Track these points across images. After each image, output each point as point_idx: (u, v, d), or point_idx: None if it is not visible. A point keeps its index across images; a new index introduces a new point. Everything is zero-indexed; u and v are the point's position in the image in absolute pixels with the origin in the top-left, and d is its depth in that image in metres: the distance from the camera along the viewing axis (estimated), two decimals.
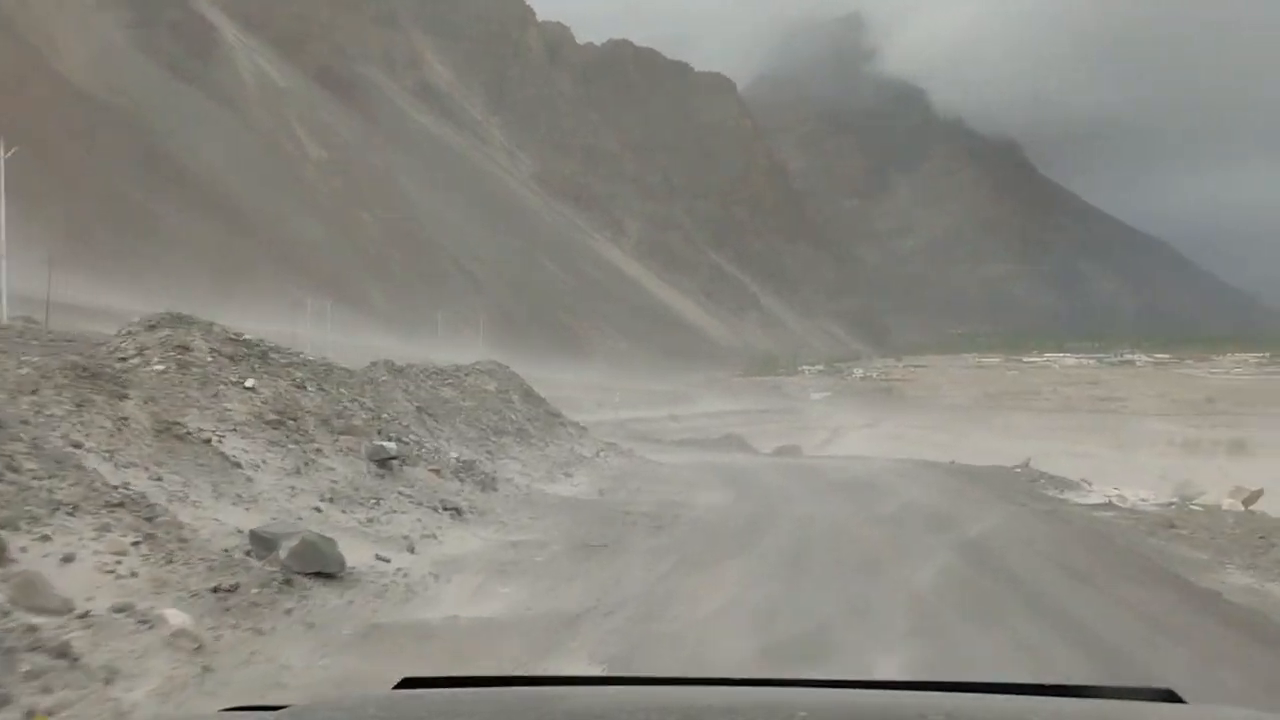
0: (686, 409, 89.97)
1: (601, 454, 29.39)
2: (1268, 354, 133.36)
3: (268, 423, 14.65)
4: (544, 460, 24.19)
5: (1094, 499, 22.23)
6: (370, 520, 13.14)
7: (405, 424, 19.48)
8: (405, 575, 11.02)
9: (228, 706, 2.01)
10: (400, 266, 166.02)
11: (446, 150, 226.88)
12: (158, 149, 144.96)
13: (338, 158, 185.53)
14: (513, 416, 27.03)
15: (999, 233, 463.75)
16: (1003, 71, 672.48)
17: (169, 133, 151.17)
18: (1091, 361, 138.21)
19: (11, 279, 47.84)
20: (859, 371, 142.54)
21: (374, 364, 24.35)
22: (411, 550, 12.29)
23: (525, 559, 12.70)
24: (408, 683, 2.30)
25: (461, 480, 17.58)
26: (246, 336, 17.22)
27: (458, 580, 11.13)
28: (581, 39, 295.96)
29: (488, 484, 18.13)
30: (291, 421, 15.13)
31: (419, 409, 21.77)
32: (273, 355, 17.33)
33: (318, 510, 12.67)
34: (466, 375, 28.84)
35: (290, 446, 14.38)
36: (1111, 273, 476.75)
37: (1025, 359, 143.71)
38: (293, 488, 12.93)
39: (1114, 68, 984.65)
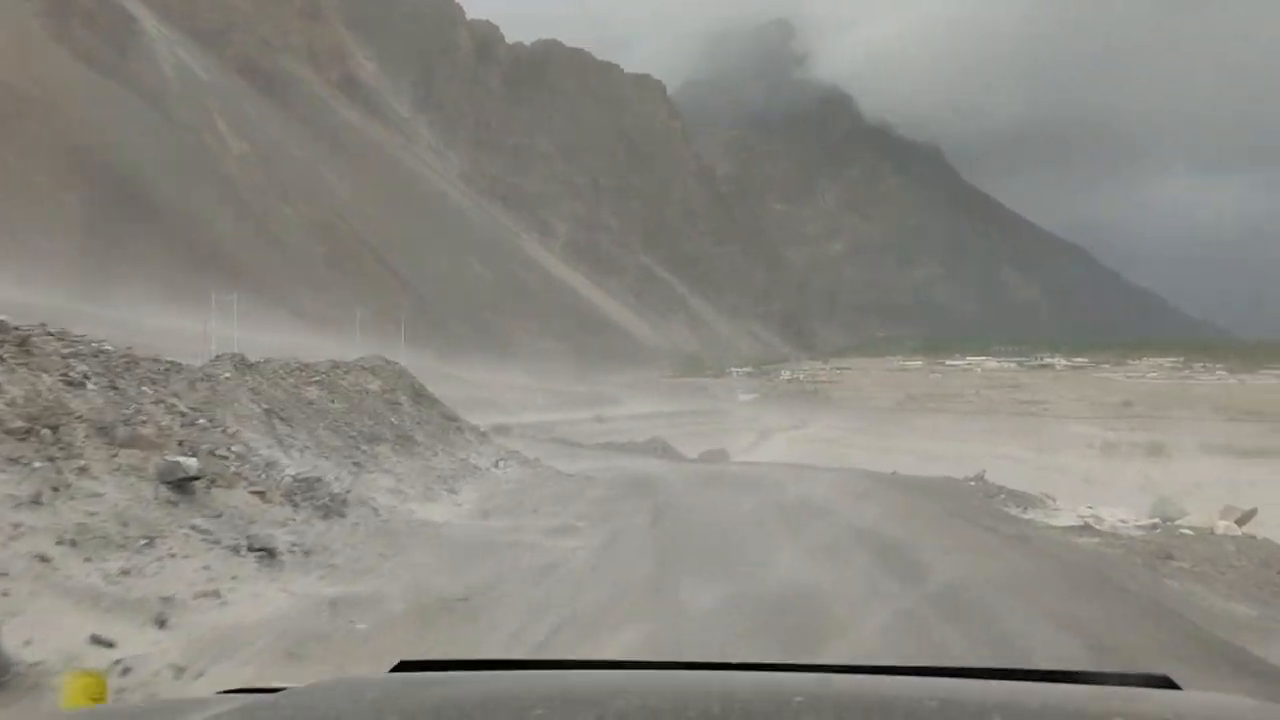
0: (612, 410, 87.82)
1: (501, 464, 26.01)
2: (1181, 358, 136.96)
3: (9, 432, 10.74)
4: (426, 473, 20.82)
5: (1065, 520, 20.13)
6: (124, 573, 9.18)
7: (235, 431, 15.78)
8: (128, 671, 7.21)
9: (228, 689, 2.12)
10: (324, 264, 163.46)
11: (372, 146, 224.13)
12: (72, 141, 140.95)
13: (260, 152, 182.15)
14: (395, 421, 23.81)
15: (923, 238, 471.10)
16: (928, 80, 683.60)
17: (84, 125, 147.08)
18: (1012, 365, 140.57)
19: None
20: (786, 373, 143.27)
21: (218, 358, 21.07)
22: (162, 623, 8.38)
23: (339, 629, 9.14)
24: (405, 665, 2.33)
25: (295, 505, 13.79)
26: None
27: (215, 676, 7.44)
28: (511, 38, 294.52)
29: (333, 509, 14.36)
30: (48, 430, 11.13)
31: (268, 412, 18.30)
32: (41, 342, 13.13)
33: (43, 560, 8.65)
34: (345, 373, 25.33)
35: (37, 465, 10.42)
36: (1031, 278, 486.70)
37: (948, 362, 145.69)
38: (18, 525, 9.03)
39: (1035, 79, 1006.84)
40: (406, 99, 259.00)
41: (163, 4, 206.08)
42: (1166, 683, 2.14)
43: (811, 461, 46.56)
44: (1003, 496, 23.64)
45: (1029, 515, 20.68)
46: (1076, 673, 2.04)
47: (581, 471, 27.19)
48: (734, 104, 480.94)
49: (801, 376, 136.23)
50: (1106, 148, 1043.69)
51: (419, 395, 27.78)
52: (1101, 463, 65.02)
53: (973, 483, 26.92)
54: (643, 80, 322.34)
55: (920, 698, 1.85)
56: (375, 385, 25.41)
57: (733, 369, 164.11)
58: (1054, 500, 24.11)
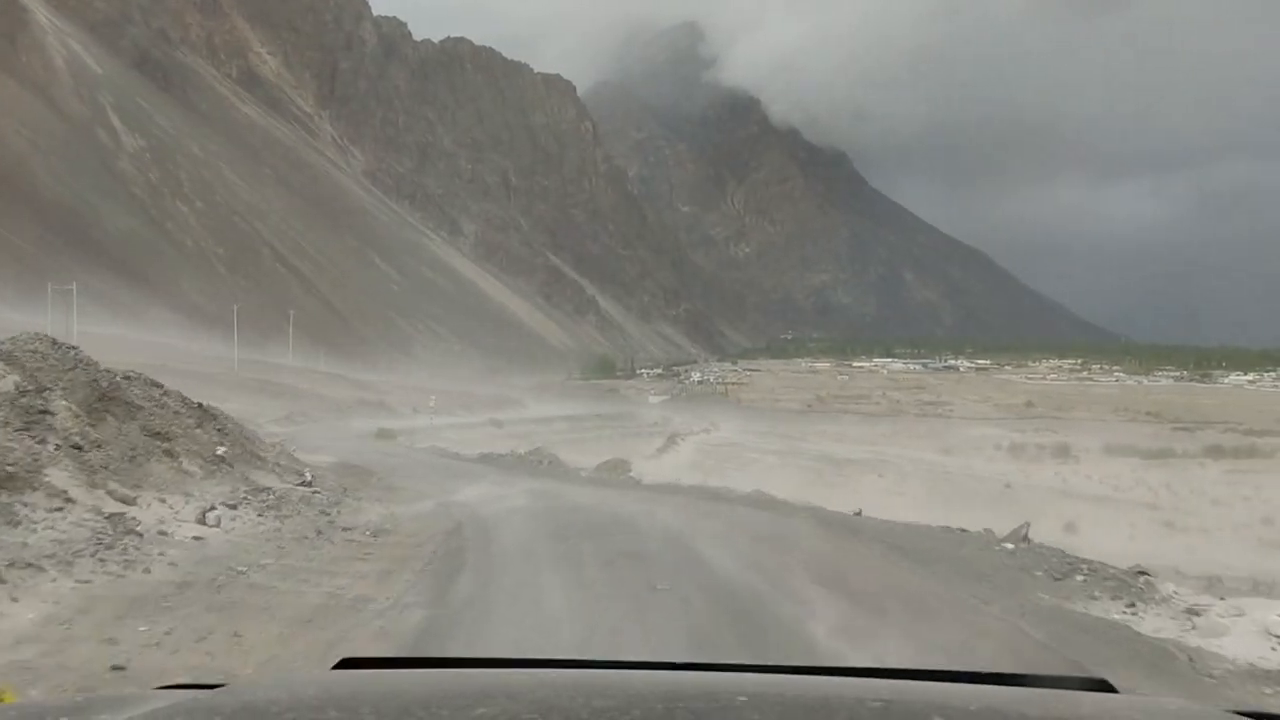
0: (512, 414, 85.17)
1: (219, 513, 14.88)
2: (1079, 360, 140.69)
3: None
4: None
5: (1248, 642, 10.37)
6: None
7: None
8: None
9: (167, 684, 2.09)
10: (222, 263, 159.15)
11: (273, 143, 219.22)
12: None
13: (156, 147, 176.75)
14: (33, 443, 13.52)
15: (827, 241, 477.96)
16: (834, 85, 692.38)
17: None
18: (917, 366, 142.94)
19: None
20: (696, 375, 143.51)
21: None
22: None
23: None
24: (347, 663, 2.31)
25: None
26: None
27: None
28: (419, 35, 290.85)
29: None
30: None
31: None
32: None
33: None
34: None
35: None
36: (932, 281, 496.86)
37: (854, 363, 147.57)
38: None
39: (936, 85, 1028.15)
40: (310, 95, 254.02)
41: None
42: (1104, 686, 2.16)
43: (722, 470, 44.67)
44: (1081, 579, 13.03)
45: (1167, 630, 10.91)
46: (1016, 675, 2.06)
47: (398, 515, 18.20)
48: (643, 106, 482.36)
49: (711, 378, 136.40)
50: (1005, 153, 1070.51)
51: (108, 399, 16.83)
52: (1014, 465, 65.08)
53: (1010, 547, 15.76)
54: (552, 80, 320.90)
55: (863, 698, 1.86)
56: (9, 383, 14.74)
57: (643, 370, 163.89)
58: (1155, 580, 13.46)
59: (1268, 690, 8.73)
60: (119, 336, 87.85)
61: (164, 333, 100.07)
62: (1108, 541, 25.28)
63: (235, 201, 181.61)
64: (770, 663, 2.24)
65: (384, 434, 54.27)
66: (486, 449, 45.77)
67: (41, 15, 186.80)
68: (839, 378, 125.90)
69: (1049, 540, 16.43)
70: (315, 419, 63.80)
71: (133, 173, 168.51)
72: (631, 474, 34.53)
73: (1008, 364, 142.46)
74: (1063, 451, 72.34)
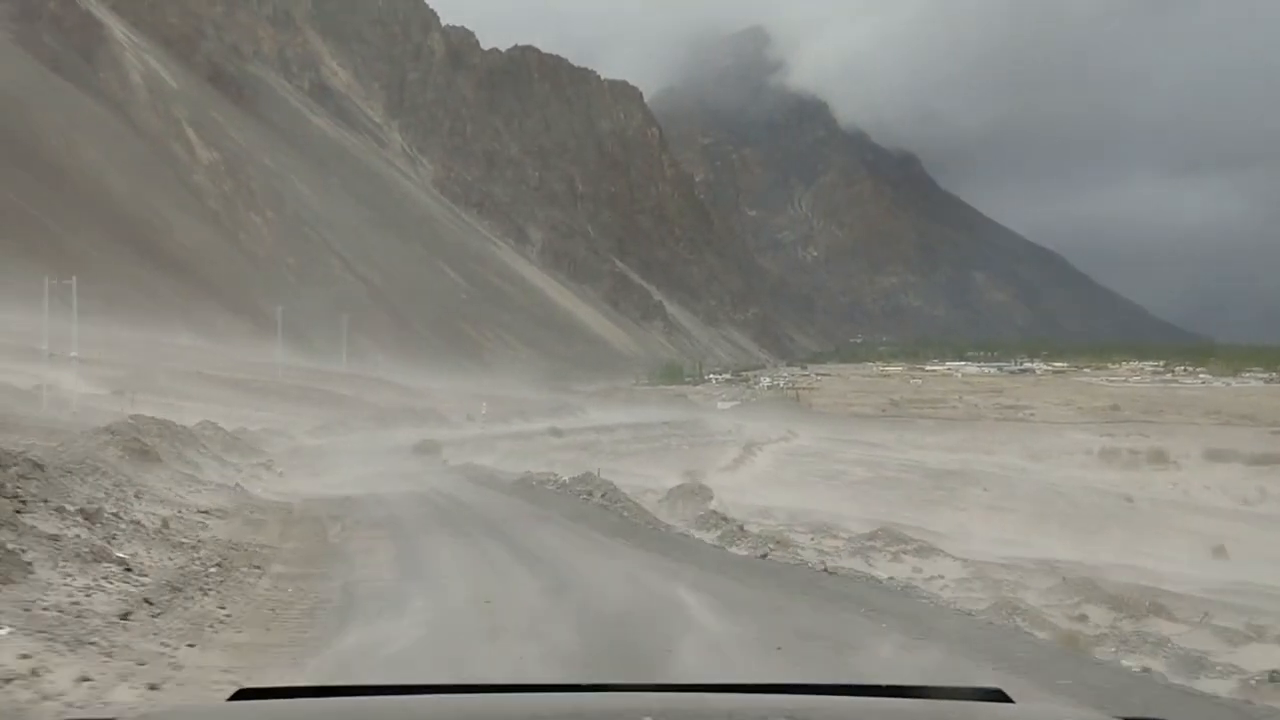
0: (572, 421, 79.72)
1: None
2: (1162, 362, 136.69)
3: None
4: None
5: None
6: None
7: None
8: None
9: (58, 716, 2.03)
10: (291, 271, 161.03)
11: (343, 153, 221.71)
12: (36, 148, 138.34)
13: (229, 159, 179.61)
14: None
15: (896, 244, 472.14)
16: (902, 87, 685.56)
17: (49, 132, 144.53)
18: (992, 369, 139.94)
19: None
20: (765, 380, 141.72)
21: None
22: None
23: None
24: (244, 693, 2.24)
25: None
26: None
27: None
28: (486, 44, 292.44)
29: None
30: None
31: None
32: None
33: None
34: None
35: None
36: (1003, 283, 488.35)
37: (926, 367, 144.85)
38: None
39: (1007, 84, 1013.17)
40: (379, 106, 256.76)
41: (132, 11, 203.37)
42: (999, 696, 2.18)
43: (807, 484, 41.60)
44: None
45: None
46: (914, 687, 2.08)
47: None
48: (710, 111, 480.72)
49: (781, 383, 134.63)
50: (1078, 152, 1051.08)
51: None
52: (1119, 474, 61.10)
53: None
54: (619, 87, 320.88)
55: (767, 714, 1.85)
56: None
57: (711, 376, 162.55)
58: None
59: None
60: (152, 340, 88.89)
61: (233, 341, 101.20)
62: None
63: (305, 212, 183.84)
64: (673, 681, 2.31)
65: (425, 447, 49.11)
66: (535, 466, 37.70)
67: (118, 32, 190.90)
68: (911, 381, 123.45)
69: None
70: (354, 429, 60.34)
71: (206, 185, 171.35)
72: (713, 504, 25.53)
73: (1086, 366, 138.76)
74: (1159, 457, 68.50)
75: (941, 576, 17.96)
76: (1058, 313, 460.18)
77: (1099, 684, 9.64)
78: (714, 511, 24.05)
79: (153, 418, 30.87)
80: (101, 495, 16.64)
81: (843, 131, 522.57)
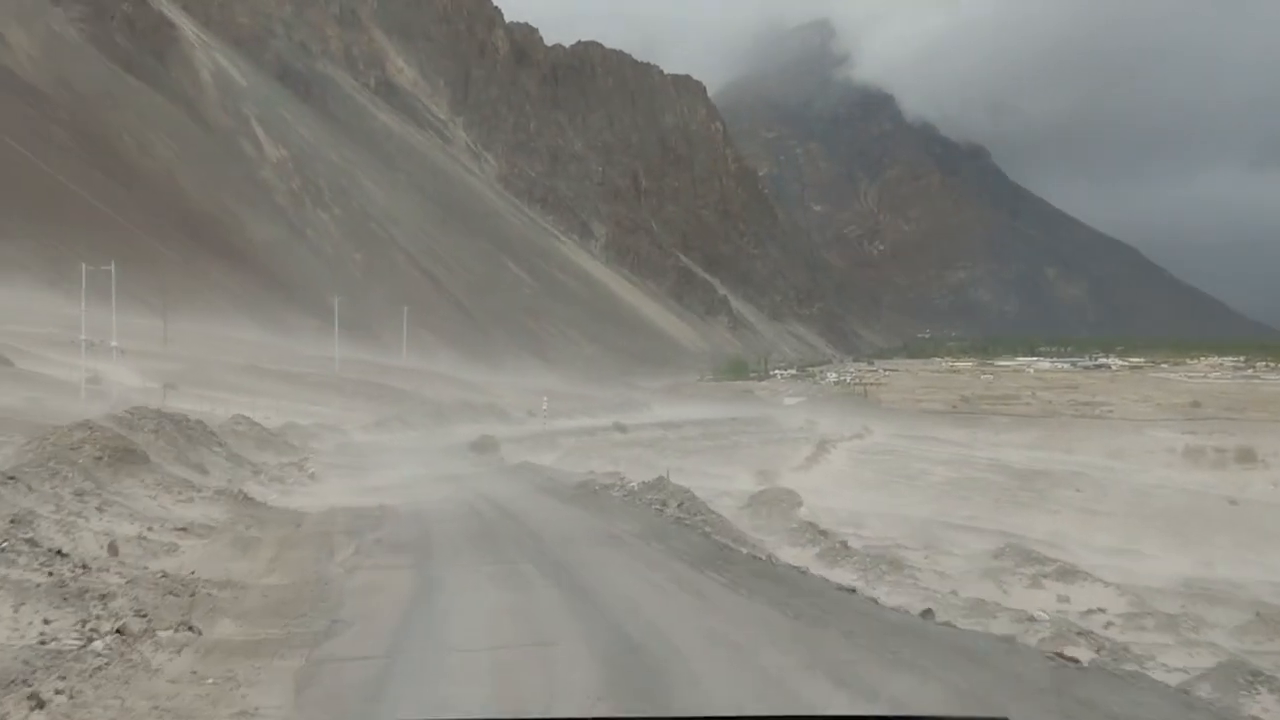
0: (637, 417, 76.50)
1: None
2: (1243, 357, 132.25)
3: None
4: None
5: None
6: None
7: None
8: None
9: None
10: (357, 267, 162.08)
11: (409, 150, 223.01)
12: (108, 146, 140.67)
13: (296, 156, 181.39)
14: None
15: (964, 238, 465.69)
16: (971, 77, 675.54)
17: (121, 130, 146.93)
18: (1065, 365, 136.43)
19: None
20: (832, 375, 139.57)
21: None
22: None
23: None
24: None
25: None
26: None
27: None
28: (550, 40, 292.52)
29: None
30: None
31: None
32: None
33: None
34: None
35: None
36: (1076, 277, 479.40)
37: (997, 363, 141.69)
38: None
39: (1080, 74, 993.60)
40: (444, 102, 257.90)
41: (202, 10, 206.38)
42: None
43: (890, 485, 39.26)
44: None
45: None
46: (920, 717, 2.08)
47: None
48: (774, 105, 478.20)
49: (848, 379, 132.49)
50: (1153, 143, 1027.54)
51: None
52: (1207, 473, 57.99)
53: None
54: (683, 81, 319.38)
55: None
56: None
57: (776, 371, 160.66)
58: None
59: None
60: (214, 334, 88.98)
61: (300, 337, 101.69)
62: None
63: (372, 208, 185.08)
64: (687, 714, 2.25)
65: (482, 444, 46.52)
66: (598, 464, 35.24)
67: (189, 31, 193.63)
68: (982, 377, 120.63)
69: None
70: (411, 424, 58.62)
71: (275, 181, 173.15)
72: (802, 511, 23.34)
73: (1163, 362, 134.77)
74: (1247, 456, 65.18)
75: (1102, 610, 15.47)
76: (1132, 308, 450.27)
77: None
78: (810, 524, 21.16)
79: (157, 409, 28.31)
80: (49, 509, 13.90)
81: (909, 124, 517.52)
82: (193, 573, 12.65)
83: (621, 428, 65.97)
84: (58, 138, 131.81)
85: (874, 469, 56.19)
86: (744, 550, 16.91)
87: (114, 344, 51.62)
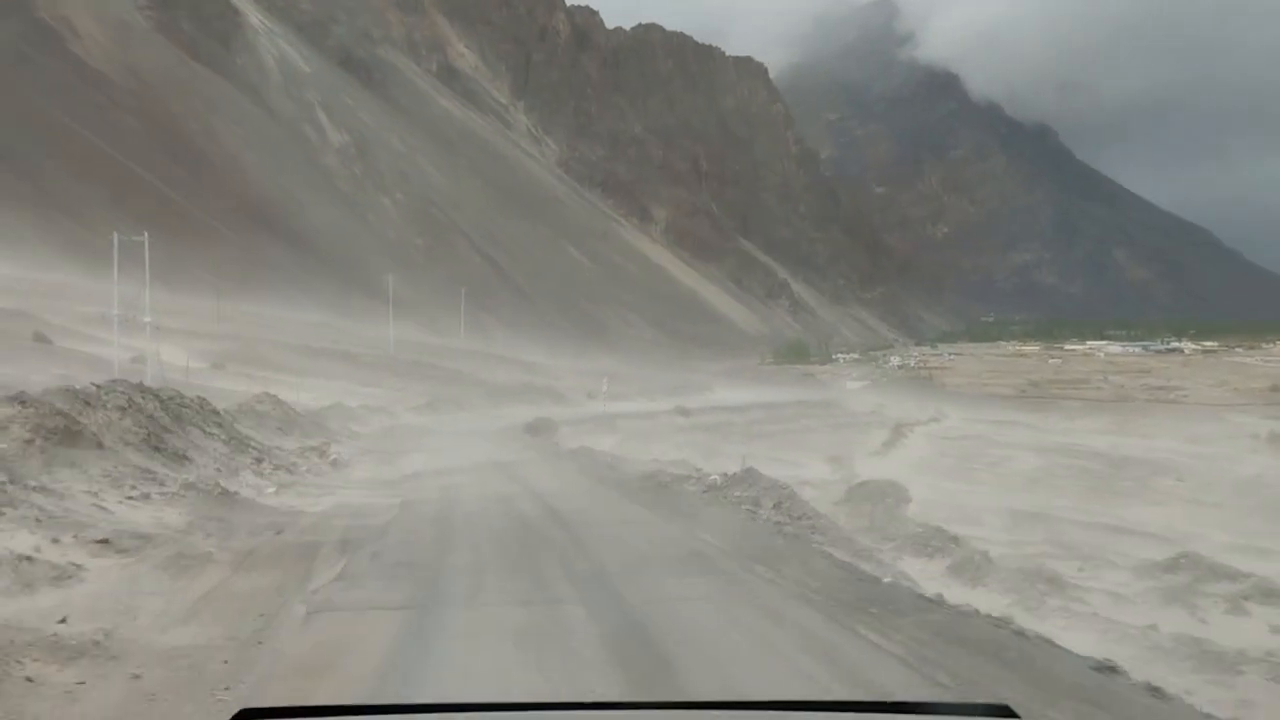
0: (699, 400, 73.63)
1: None
2: None
3: None
4: None
5: None
6: None
7: None
8: None
9: None
10: (419, 252, 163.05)
11: (469, 135, 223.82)
12: (175, 132, 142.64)
13: (358, 142, 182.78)
14: None
15: (1030, 219, 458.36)
16: (1038, 56, 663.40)
17: (187, 117, 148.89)
18: (1136, 349, 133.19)
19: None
20: (895, 359, 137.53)
21: None
22: None
23: None
24: (246, 714, 2.26)
25: None
26: None
27: None
28: (611, 23, 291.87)
29: None
30: None
31: None
32: None
33: None
34: None
35: None
36: (1146, 259, 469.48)
37: (1065, 346, 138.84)
38: None
39: (1149, 52, 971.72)
40: (505, 86, 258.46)
41: None
42: (1006, 712, 2.16)
43: (970, 473, 36.09)
44: None
45: None
46: (921, 704, 2.08)
47: None
48: (836, 87, 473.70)
49: (911, 362, 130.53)
50: (1227, 122, 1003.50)
51: None
52: None
53: None
54: (744, 63, 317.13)
55: None
56: None
57: (838, 355, 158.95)
58: None
59: None
60: (271, 315, 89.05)
61: (361, 320, 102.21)
62: None
63: (433, 192, 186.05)
64: (686, 699, 2.26)
65: (538, 426, 44.91)
66: (662, 450, 32.67)
67: (254, 18, 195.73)
68: (1050, 361, 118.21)
69: None
70: (465, 406, 56.80)
71: (337, 167, 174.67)
72: (911, 510, 19.53)
73: (1238, 345, 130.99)
74: None
75: None
76: (1206, 291, 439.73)
77: None
78: (939, 529, 16.65)
79: (140, 385, 23.76)
80: None
81: (974, 104, 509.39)
82: (63, 620, 8.46)
83: (684, 411, 63.53)
84: (125, 124, 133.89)
85: (954, 456, 52.70)
86: (884, 578, 12.60)
87: (146, 319, 49.58)
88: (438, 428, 44.44)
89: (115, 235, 47.84)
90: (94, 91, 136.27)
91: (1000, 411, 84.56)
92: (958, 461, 48.54)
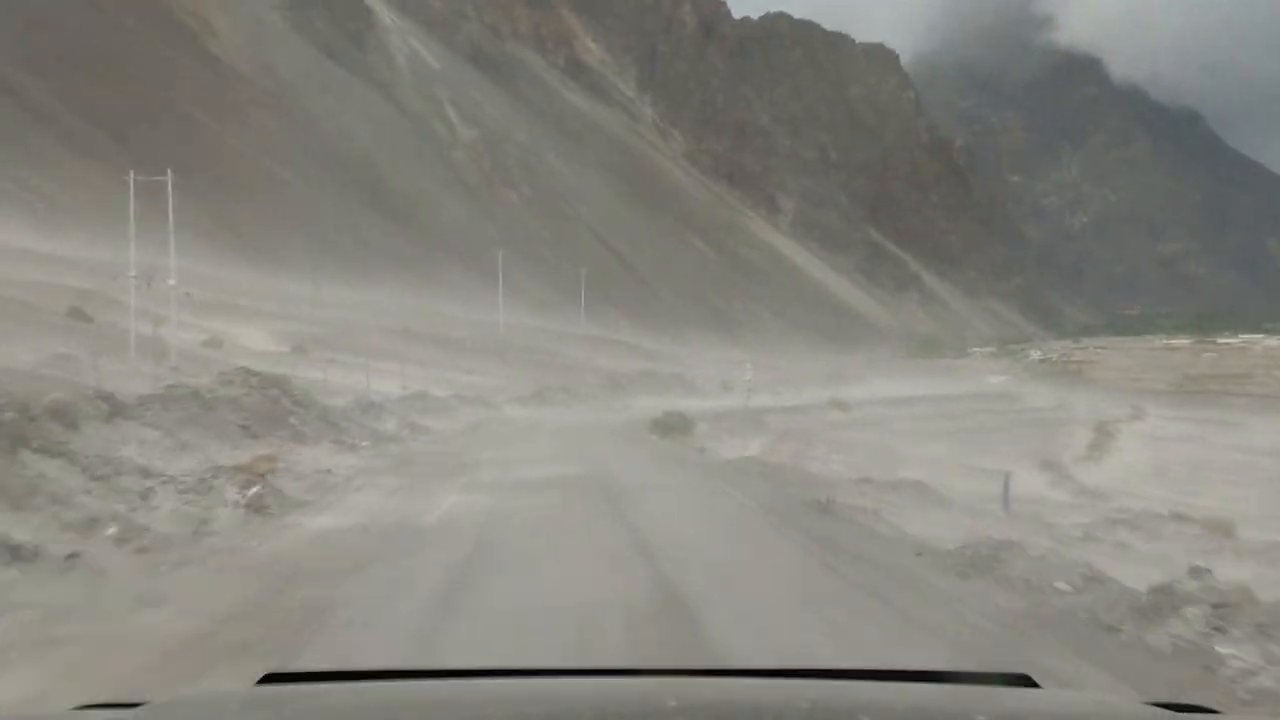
0: (853, 392, 66.66)
1: None
2: None
3: None
4: None
5: None
6: None
7: None
8: None
9: (81, 704, 2.02)
10: (546, 246, 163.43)
11: (595, 128, 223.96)
12: (312, 131, 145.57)
13: (487, 137, 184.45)
14: None
15: (1177, 208, 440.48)
16: (1186, 37, 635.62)
17: (321, 114, 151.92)
18: None
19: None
20: (1035, 353, 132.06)
21: None
22: None
23: None
24: (271, 678, 2.22)
25: None
26: None
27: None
28: (738, 13, 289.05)
29: None
30: None
31: None
32: None
33: None
34: None
35: None
36: None
37: (1219, 340, 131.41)
38: None
39: None
40: (631, 79, 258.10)
41: None
42: (1026, 681, 2.18)
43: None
44: None
45: None
46: (939, 672, 2.12)
47: None
48: (969, 73, 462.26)
49: (1054, 356, 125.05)
50: None
51: None
52: None
53: None
54: (874, 50, 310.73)
55: (791, 700, 1.88)
56: None
57: (974, 349, 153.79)
58: None
59: None
60: (361, 301, 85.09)
61: (487, 311, 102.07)
62: None
63: (559, 186, 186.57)
64: (698, 666, 2.35)
65: (668, 424, 34.04)
66: (855, 461, 25.23)
67: (385, 16, 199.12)
68: (1204, 355, 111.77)
69: None
70: (579, 396, 51.69)
71: (466, 162, 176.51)
72: None
73: None
74: None
75: None
76: None
77: None
78: None
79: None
80: None
81: (1116, 89, 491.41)
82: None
83: (841, 405, 56.43)
84: (260, 121, 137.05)
85: (1186, 461, 44.00)
86: None
87: (171, 282, 42.99)
88: (539, 422, 38.02)
89: (131, 174, 42.52)
90: (231, 90, 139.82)
91: (1192, 409, 75.68)
92: (1190, 469, 39.82)
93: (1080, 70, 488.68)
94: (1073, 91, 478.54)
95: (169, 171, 43.00)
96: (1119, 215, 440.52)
